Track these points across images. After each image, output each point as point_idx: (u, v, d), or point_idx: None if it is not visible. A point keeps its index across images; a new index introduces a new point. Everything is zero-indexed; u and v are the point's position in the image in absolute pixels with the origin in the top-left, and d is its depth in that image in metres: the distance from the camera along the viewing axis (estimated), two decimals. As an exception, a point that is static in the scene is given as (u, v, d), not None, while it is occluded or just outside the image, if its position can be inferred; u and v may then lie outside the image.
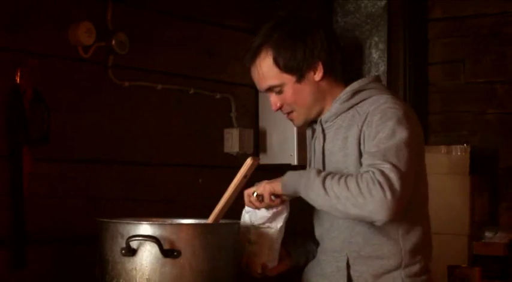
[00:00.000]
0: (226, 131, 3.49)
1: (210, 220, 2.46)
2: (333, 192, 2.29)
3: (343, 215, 2.33)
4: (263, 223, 2.48)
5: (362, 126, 2.40)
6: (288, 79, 2.46)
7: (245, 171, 2.40)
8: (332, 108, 2.50)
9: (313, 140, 2.60)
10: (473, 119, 4.13)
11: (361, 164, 2.38)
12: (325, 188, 2.30)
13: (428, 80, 4.25)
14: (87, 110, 2.96)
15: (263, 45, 2.47)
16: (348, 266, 2.45)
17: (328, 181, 2.31)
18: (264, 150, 3.64)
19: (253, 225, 2.50)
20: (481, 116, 4.12)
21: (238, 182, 2.41)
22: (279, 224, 2.49)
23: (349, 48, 4.03)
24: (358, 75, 4.04)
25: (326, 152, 2.51)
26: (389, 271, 2.43)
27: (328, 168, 2.49)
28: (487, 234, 3.80)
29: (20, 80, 2.69)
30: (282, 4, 3.74)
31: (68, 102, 2.89)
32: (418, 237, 2.46)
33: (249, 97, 3.64)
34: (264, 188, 2.42)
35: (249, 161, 2.40)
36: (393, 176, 2.24)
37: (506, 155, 4.02)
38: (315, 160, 2.57)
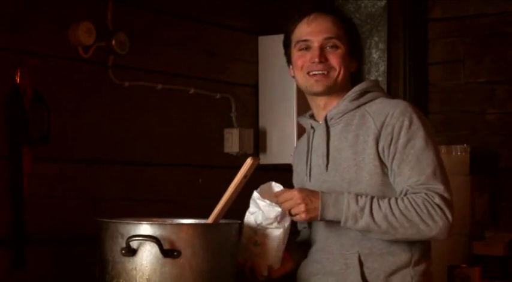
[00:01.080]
0: (226, 131, 3.49)
1: (210, 220, 2.46)
2: (388, 224, 2.36)
3: (399, 240, 2.42)
4: (271, 223, 2.47)
5: (381, 127, 2.44)
6: (345, 46, 2.54)
7: (245, 171, 2.39)
8: (340, 105, 2.53)
9: (311, 138, 2.60)
10: (473, 119, 4.13)
11: (380, 161, 2.42)
12: (376, 223, 2.37)
13: (428, 80, 4.24)
14: (87, 110, 2.96)
15: (337, 12, 2.62)
16: (361, 263, 2.45)
17: (378, 214, 2.36)
18: (264, 150, 3.64)
19: (259, 226, 2.49)
20: (481, 116, 4.11)
21: (238, 182, 2.40)
22: (286, 223, 2.47)
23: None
24: (358, 75, 4.04)
25: (330, 150, 2.52)
26: (400, 268, 2.45)
27: (333, 164, 2.50)
28: (487, 234, 3.80)
29: (20, 80, 2.69)
30: (282, 4, 3.74)
31: (68, 102, 2.89)
32: None
33: (249, 97, 3.64)
34: (300, 215, 2.42)
35: (249, 161, 2.39)
36: (447, 196, 2.38)
37: (506, 155, 4.02)
38: (312, 157, 2.57)
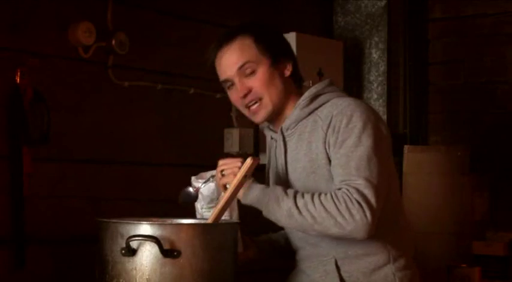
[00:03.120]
0: (226, 131, 3.49)
1: (210, 220, 2.46)
2: (308, 212, 2.31)
3: (319, 234, 2.36)
4: (211, 201, 2.50)
5: (327, 130, 2.40)
6: (264, 61, 2.45)
7: (245, 171, 2.40)
8: (292, 115, 2.49)
9: (273, 150, 2.60)
10: (473, 119, 4.13)
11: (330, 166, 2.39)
12: (298, 207, 2.32)
13: (428, 80, 4.25)
14: (87, 110, 2.96)
15: (243, 30, 2.48)
16: (338, 268, 2.45)
17: (300, 200, 2.32)
18: (264, 150, 3.64)
19: (203, 209, 2.52)
20: (481, 116, 4.12)
21: (238, 182, 2.41)
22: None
23: (349, 48, 4.03)
24: (358, 75, 4.05)
25: (289, 160, 2.51)
26: (379, 267, 2.45)
27: (293, 175, 2.50)
28: (487, 234, 3.79)
29: (20, 80, 2.70)
30: (282, 4, 3.74)
31: (68, 102, 2.89)
32: (398, 232, 2.49)
33: (249, 97, 3.64)
34: (223, 180, 2.41)
35: (249, 161, 2.39)
36: (368, 192, 2.28)
37: (506, 155, 4.02)
38: (277, 169, 2.57)
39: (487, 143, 4.06)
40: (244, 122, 3.56)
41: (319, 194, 2.33)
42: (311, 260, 2.52)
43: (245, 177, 2.41)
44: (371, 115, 2.40)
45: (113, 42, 2.98)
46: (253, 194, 2.39)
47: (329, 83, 2.53)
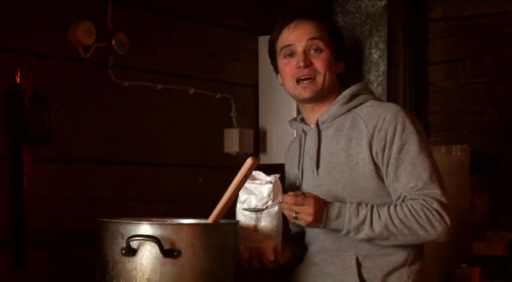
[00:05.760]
0: (226, 131, 3.49)
1: (210, 220, 2.46)
2: (388, 232, 2.39)
3: (397, 245, 2.44)
4: (266, 202, 2.48)
5: (374, 131, 2.45)
6: (329, 49, 2.56)
7: (245, 171, 2.40)
8: (330, 109, 2.54)
9: (303, 141, 2.61)
10: (473, 119, 4.13)
11: (374, 165, 2.43)
12: (376, 233, 2.39)
13: (428, 80, 4.25)
14: (87, 110, 2.96)
15: (319, 17, 2.62)
16: (358, 264, 2.47)
17: (377, 223, 2.38)
18: (264, 150, 3.64)
19: (256, 209, 2.50)
20: (481, 116, 4.12)
21: (238, 182, 2.41)
22: (280, 198, 2.48)
23: (349, 48, 4.03)
24: (358, 75, 4.05)
25: (322, 153, 2.52)
26: (397, 267, 2.48)
27: (326, 168, 2.51)
28: (487, 234, 3.80)
29: (20, 80, 2.69)
30: (281, 4, 3.73)
31: (68, 102, 2.89)
32: None
33: (249, 97, 3.64)
34: (301, 222, 2.42)
35: (249, 161, 2.40)
36: (444, 200, 2.41)
37: (506, 155, 4.02)
38: (304, 161, 2.58)
39: (487, 143, 4.06)
40: (244, 122, 3.57)
41: (395, 209, 2.39)
42: (328, 254, 2.53)
43: (245, 177, 2.41)
44: (419, 122, 2.53)
45: (113, 42, 2.98)
46: (330, 227, 2.43)
47: (366, 85, 2.64)
